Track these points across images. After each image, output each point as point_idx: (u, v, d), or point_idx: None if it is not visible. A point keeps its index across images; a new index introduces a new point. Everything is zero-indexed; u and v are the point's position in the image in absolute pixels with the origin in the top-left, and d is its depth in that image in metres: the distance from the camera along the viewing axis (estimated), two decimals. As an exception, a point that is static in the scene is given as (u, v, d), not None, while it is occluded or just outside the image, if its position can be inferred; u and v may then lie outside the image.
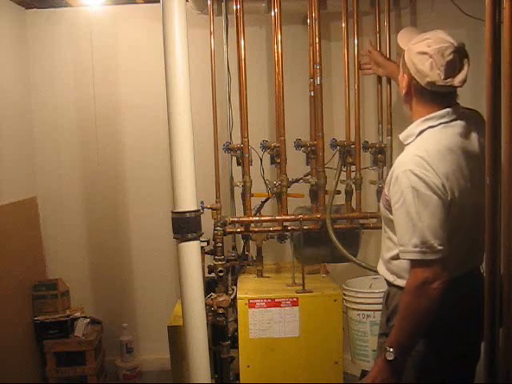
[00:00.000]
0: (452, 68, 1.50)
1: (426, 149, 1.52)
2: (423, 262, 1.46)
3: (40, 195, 3.33)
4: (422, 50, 1.52)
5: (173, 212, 2.15)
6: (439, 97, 1.56)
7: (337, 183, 2.53)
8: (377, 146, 2.55)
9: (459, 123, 1.58)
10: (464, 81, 1.52)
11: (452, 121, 1.57)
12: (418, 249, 1.45)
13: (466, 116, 1.61)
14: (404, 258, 1.51)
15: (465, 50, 1.54)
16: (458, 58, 1.51)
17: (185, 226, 2.13)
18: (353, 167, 2.58)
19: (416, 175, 1.46)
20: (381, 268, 1.71)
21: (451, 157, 1.51)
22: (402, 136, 1.64)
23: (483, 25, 1.09)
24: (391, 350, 1.49)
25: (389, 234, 1.64)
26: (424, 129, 1.57)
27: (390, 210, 1.57)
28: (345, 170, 2.58)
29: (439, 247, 1.45)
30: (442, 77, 1.50)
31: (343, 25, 2.56)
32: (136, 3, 3.21)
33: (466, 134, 1.57)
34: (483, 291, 1.20)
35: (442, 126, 1.56)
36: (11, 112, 3.07)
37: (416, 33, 1.65)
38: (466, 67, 1.52)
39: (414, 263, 1.48)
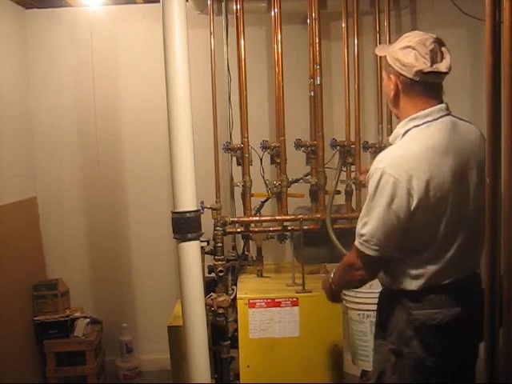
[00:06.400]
0: (436, 55, 1.52)
1: (406, 149, 1.51)
2: (358, 250, 1.55)
3: (40, 195, 3.34)
4: (404, 45, 1.54)
5: (173, 212, 2.15)
6: (427, 90, 1.55)
7: (337, 183, 2.53)
8: (377, 146, 2.55)
9: (446, 120, 1.55)
10: (450, 67, 1.52)
11: (438, 118, 1.55)
12: (358, 237, 1.54)
13: (454, 116, 1.59)
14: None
15: (443, 41, 1.56)
16: (438, 47, 1.53)
17: (185, 226, 2.13)
18: (353, 167, 2.58)
19: (384, 175, 1.47)
20: None
21: (434, 156, 1.49)
22: (390, 138, 1.64)
23: (483, 25, 1.09)
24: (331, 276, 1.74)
25: None
26: (409, 128, 1.55)
27: None
28: (345, 170, 2.59)
29: (374, 247, 1.51)
30: (429, 64, 1.50)
31: (343, 25, 2.56)
32: (136, 3, 3.21)
33: (452, 131, 1.54)
34: (480, 295, 1.21)
35: (426, 124, 1.54)
36: (11, 112, 3.06)
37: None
38: (447, 55, 1.53)
39: (354, 246, 1.57)
